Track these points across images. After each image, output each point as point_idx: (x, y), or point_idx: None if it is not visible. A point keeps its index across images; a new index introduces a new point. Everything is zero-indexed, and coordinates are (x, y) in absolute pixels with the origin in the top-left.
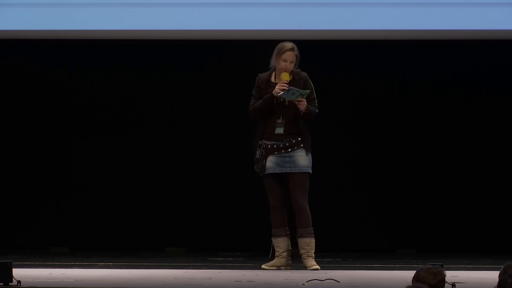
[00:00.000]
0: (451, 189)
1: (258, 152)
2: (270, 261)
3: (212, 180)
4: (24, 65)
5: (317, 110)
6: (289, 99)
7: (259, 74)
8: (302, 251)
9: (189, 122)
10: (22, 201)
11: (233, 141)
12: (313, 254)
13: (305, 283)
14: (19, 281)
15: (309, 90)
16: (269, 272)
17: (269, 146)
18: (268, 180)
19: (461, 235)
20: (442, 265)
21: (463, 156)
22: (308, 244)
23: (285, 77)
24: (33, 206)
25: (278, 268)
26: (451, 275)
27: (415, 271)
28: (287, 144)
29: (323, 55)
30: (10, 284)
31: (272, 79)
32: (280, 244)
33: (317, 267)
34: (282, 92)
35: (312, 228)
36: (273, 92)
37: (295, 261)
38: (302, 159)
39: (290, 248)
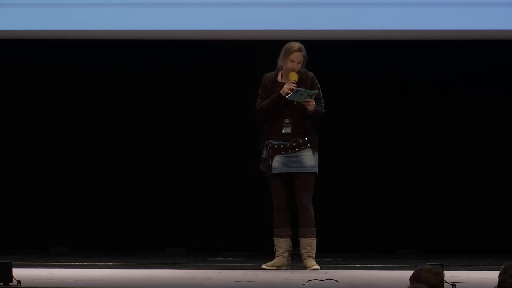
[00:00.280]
0: (451, 189)
1: (264, 151)
2: (270, 261)
3: (212, 180)
4: (24, 65)
5: (323, 110)
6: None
7: (265, 74)
8: (303, 251)
9: (189, 122)
10: (22, 201)
11: (233, 141)
12: (314, 255)
13: (305, 283)
14: (19, 281)
15: (317, 91)
16: (269, 272)
17: (275, 146)
18: (274, 180)
19: (461, 235)
20: (442, 265)
21: (463, 156)
22: (309, 244)
23: (293, 77)
24: (33, 206)
25: (278, 268)
26: (451, 275)
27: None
28: (294, 144)
29: (323, 55)
30: (10, 284)
31: (279, 79)
32: (282, 244)
33: (317, 267)
34: (290, 94)
35: (315, 228)
36: (281, 91)
37: (295, 261)
38: (309, 159)
39: (291, 248)
